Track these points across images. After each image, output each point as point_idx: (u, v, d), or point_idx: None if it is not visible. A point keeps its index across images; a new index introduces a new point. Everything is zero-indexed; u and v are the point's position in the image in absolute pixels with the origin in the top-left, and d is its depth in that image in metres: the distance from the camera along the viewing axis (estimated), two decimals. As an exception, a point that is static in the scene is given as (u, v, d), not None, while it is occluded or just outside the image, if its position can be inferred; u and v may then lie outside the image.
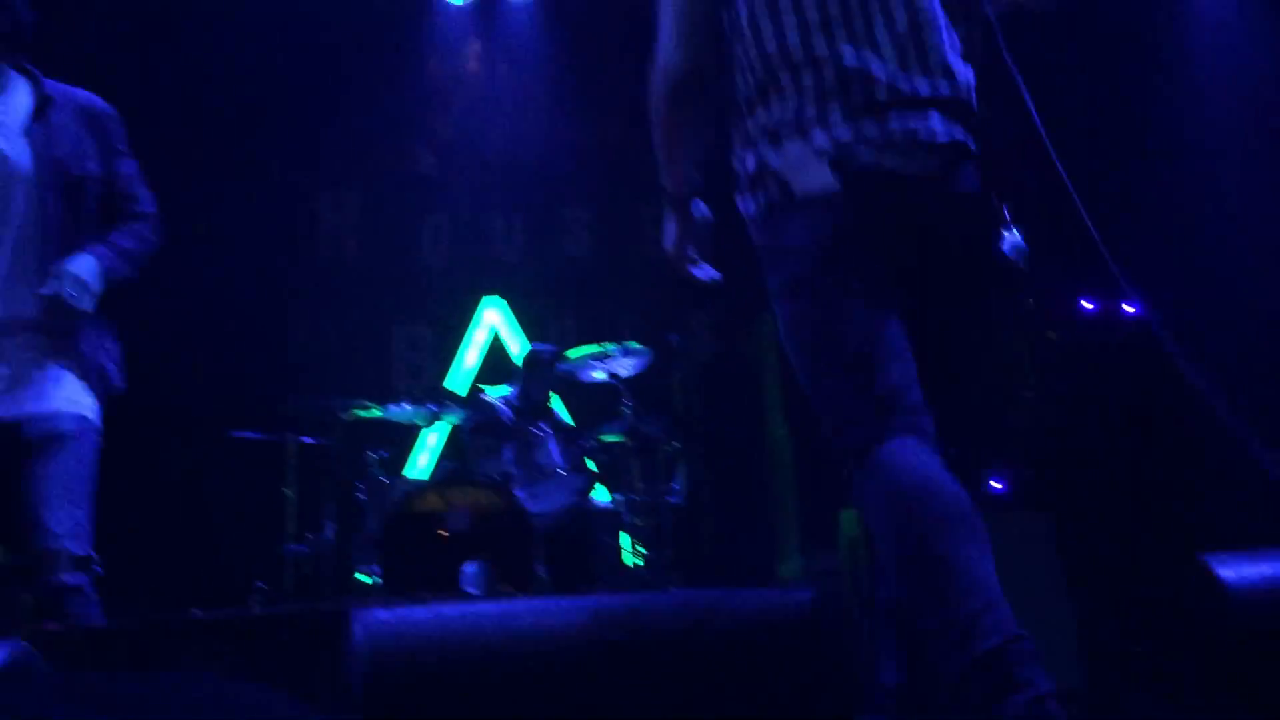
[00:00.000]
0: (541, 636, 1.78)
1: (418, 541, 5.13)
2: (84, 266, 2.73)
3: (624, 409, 5.74)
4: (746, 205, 2.30)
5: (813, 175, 2.16)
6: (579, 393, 6.24)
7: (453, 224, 7.60)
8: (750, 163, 2.27)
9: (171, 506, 6.31)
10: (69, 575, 2.66)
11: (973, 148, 2.22)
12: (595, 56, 7.39)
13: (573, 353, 5.86)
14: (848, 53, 2.19)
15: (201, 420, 6.27)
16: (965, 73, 2.25)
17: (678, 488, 5.77)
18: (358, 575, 5.60)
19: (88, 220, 2.84)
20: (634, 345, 5.67)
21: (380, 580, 5.17)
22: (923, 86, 2.19)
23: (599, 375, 5.84)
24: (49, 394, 2.74)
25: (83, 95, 2.94)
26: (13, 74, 2.84)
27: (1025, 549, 4.23)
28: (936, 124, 2.17)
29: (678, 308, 7.02)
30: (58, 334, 2.76)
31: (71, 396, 2.78)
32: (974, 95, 2.26)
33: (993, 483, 4.95)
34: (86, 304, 2.73)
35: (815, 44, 2.20)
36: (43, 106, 2.81)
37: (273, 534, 5.57)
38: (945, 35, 2.24)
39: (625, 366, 5.79)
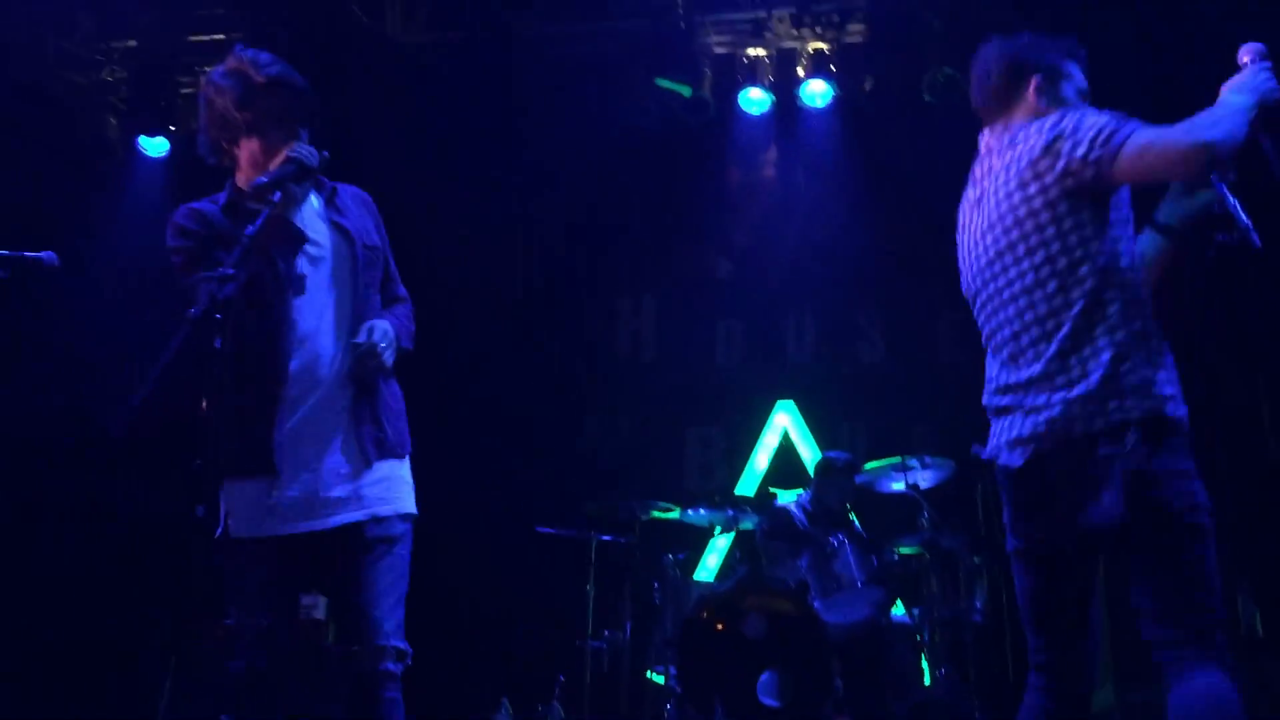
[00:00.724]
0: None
1: (714, 646, 5.16)
2: (385, 325, 2.95)
3: (922, 521, 5.62)
4: None
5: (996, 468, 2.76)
6: (876, 503, 6.14)
7: (747, 327, 7.72)
8: None
9: (480, 597, 6.61)
10: (392, 664, 2.84)
11: (1074, 430, 2.54)
12: (891, 162, 7.39)
13: (872, 464, 5.80)
14: (994, 366, 2.75)
15: (508, 515, 6.56)
16: (1083, 353, 2.56)
17: (979, 606, 5.56)
18: (650, 674, 5.68)
19: (378, 290, 3.08)
20: (935, 459, 5.57)
21: (674, 682, 5.22)
22: (1033, 391, 2.60)
23: (898, 486, 5.75)
24: (383, 497, 2.91)
25: (354, 188, 3.20)
26: None
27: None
28: (1026, 426, 2.59)
29: (976, 417, 6.82)
30: (374, 421, 2.92)
31: (401, 495, 2.97)
32: (1100, 368, 2.52)
33: None
34: (390, 359, 2.90)
35: (986, 361, 2.80)
36: (331, 196, 3.09)
37: (573, 629, 5.73)
38: (1072, 325, 2.57)
39: (925, 478, 5.69)
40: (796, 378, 7.57)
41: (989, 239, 2.74)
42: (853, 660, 5.34)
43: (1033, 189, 2.63)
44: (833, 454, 6.27)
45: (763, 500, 6.33)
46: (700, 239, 7.89)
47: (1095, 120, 2.58)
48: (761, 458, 7.40)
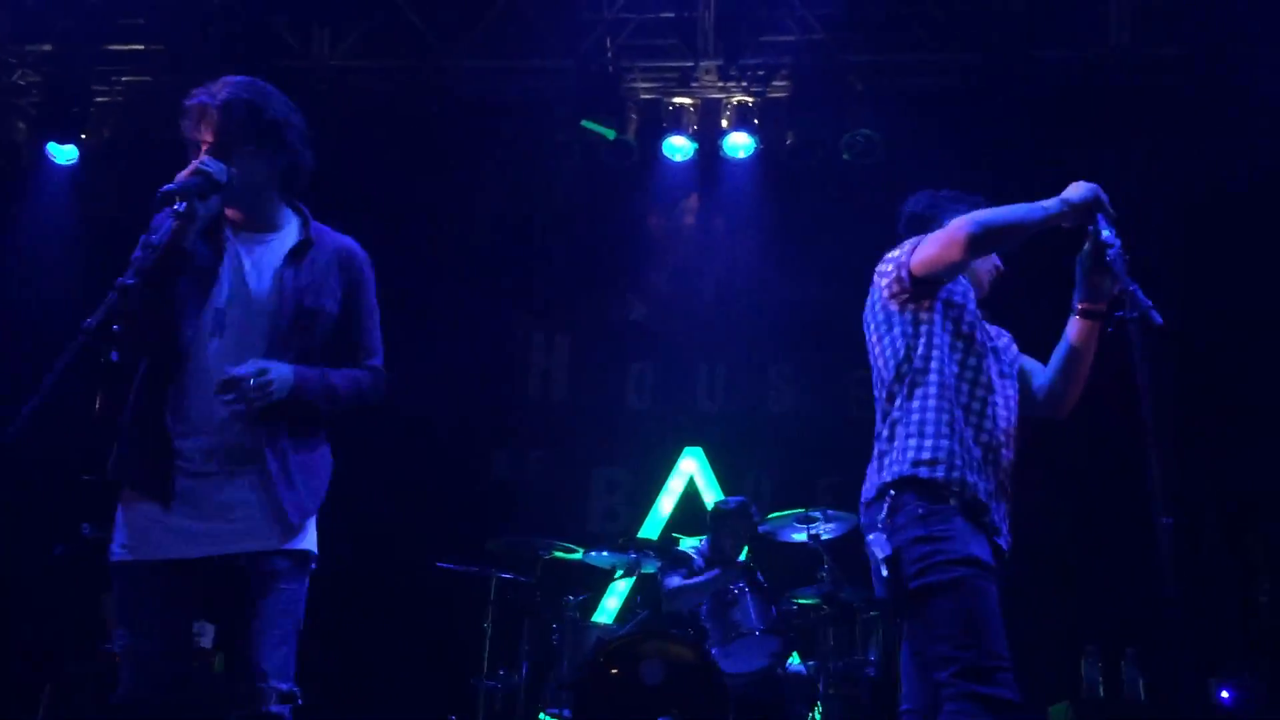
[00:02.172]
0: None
1: (609, 690, 5.12)
2: (279, 369, 2.80)
3: (822, 574, 5.65)
4: None
5: None
6: (778, 553, 6.17)
7: (658, 371, 7.73)
8: None
9: (375, 631, 6.48)
10: (275, 706, 2.75)
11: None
12: (809, 218, 7.51)
13: (775, 514, 5.83)
14: None
15: (408, 548, 6.46)
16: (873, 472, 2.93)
17: (874, 659, 5.60)
18: (543, 716, 5.61)
19: (314, 354, 2.94)
20: (837, 512, 5.62)
21: (568, 725, 5.16)
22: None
23: (799, 537, 5.78)
24: (268, 532, 2.81)
25: (344, 240, 3.07)
26: (287, 211, 3.02)
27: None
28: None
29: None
30: (273, 462, 2.83)
31: (289, 534, 2.84)
32: (871, 487, 2.88)
33: (1223, 694, 4.61)
34: (257, 398, 2.74)
35: None
36: (302, 249, 2.96)
37: (468, 667, 5.64)
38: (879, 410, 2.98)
39: (827, 530, 5.73)
40: (705, 424, 7.59)
41: None
42: (748, 709, 5.33)
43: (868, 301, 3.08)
44: (725, 499, 6.31)
45: (666, 547, 6.31)
46: (617, 281, 7.90)
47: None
48: (666, 502, 7.40)
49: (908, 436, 2.81)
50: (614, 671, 5.15)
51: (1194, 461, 6.04)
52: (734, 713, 5.06)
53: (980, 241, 2.79)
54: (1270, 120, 6.27)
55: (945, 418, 2.81)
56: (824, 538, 5.71)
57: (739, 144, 7.43)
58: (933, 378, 2.85)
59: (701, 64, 7.37)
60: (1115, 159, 6.62)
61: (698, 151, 7.51)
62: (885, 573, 2.76)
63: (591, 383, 7.73)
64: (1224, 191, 6.52)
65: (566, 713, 5.17)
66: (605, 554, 5.85)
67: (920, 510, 2.74)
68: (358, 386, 3.02)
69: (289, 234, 2.99)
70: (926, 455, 2.76)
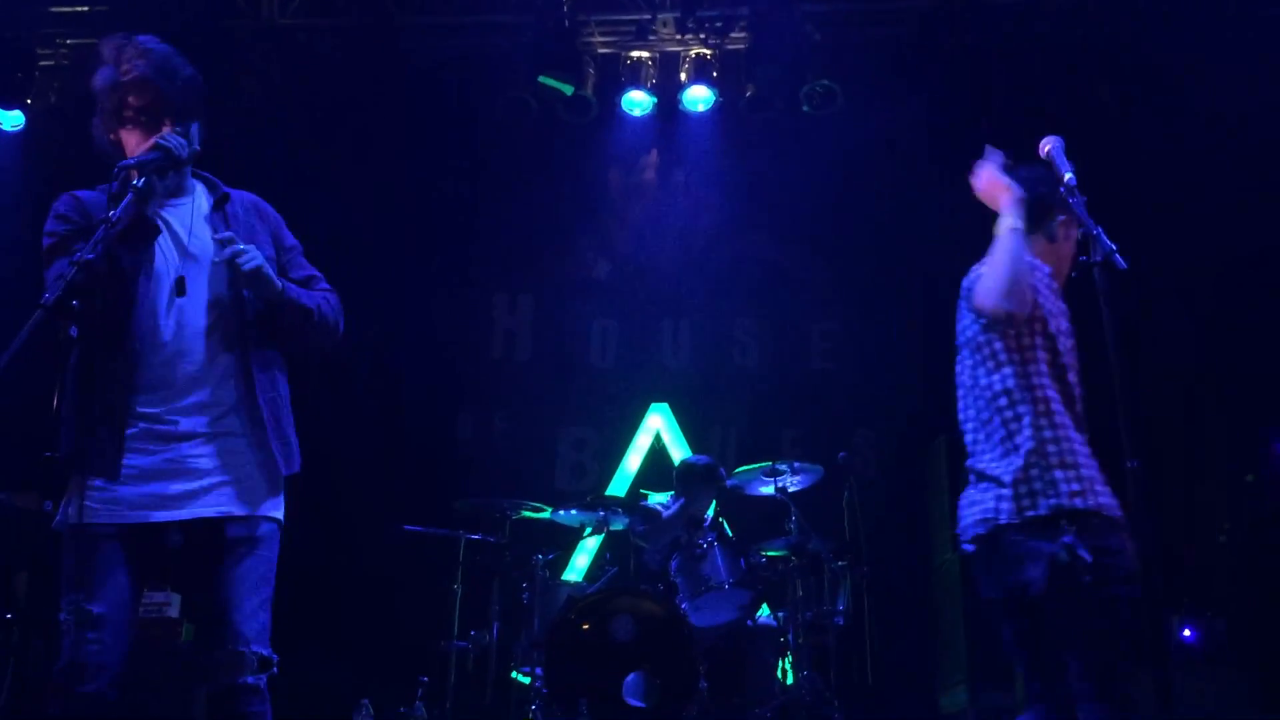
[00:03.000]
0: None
1: (580, 647, 5.14)
2: (256, 252, 2.85)
3: (790, 525, 5.69)
4: None
5: None
6: (746, 506, 6.20)
7: (622, 329, 7.71)
8: None
9: (344, 595, 6.47)
10: (252, 676, 2.74)
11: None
12: (770, 171, 7.49)
13: (742, 468, 5.85)
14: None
15: (376, 512, 6.44)
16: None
17: (842, 609, 5.66)
18: (515, 675, 5.64)
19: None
20: (804, 464, 5.65)
21: (540, 683, 5.19)
22: None
23: (767, 490, 5.81)
24: (248, 495, 2.82)
25: (245, 192, 3.13)
26: (191, 179, 3.04)
27: (1222, 710, 3.99)
28: None
29: (844, 425, 6.97)
30: (253, 423, 2.85)
31: (267, 498, 2.87)
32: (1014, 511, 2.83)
33: (1184, 632, 4.69)
34: (250, 264, 2.80)
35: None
36: (221, 201, 3.02)
37: (438, 629, 5.65)
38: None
39: (793, 482, 5.76)
40: (670, 380, 7.60)
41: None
42: (718, 662, 5.38)
43: None
44: (693, 458, 6.31)
45: (635, 503, 6.33)
46: (579, 239, 7.87)
47: None
48: (633, 459, 7.41)
49: (1049, 469, 2.86)
50: (585, 628, 5.17)
51: (1157, 407, 6.13)
52: (705, 665, 5.10)
53: (1008, 303, 2.83)
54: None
55: (1079, 447, 2.89)
56: (791, 490, 5.76)
57: (698, 97, 7.39)
58: (1056, 407, 2.91)
59: (659, 16, 7.30)
60: (1068, 104, 6.64)
61: (657, 105, 7.46)
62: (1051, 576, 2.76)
63: (555, 342, 7.71)
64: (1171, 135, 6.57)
65: (538, 671, 5.19)
66: (573, 512, 5.86)
67: (1098, 527, 2.78)
68: (325, 301, 3.06)
69: (199, 194, 3.02)
70: (1077, 486, 2.83)
